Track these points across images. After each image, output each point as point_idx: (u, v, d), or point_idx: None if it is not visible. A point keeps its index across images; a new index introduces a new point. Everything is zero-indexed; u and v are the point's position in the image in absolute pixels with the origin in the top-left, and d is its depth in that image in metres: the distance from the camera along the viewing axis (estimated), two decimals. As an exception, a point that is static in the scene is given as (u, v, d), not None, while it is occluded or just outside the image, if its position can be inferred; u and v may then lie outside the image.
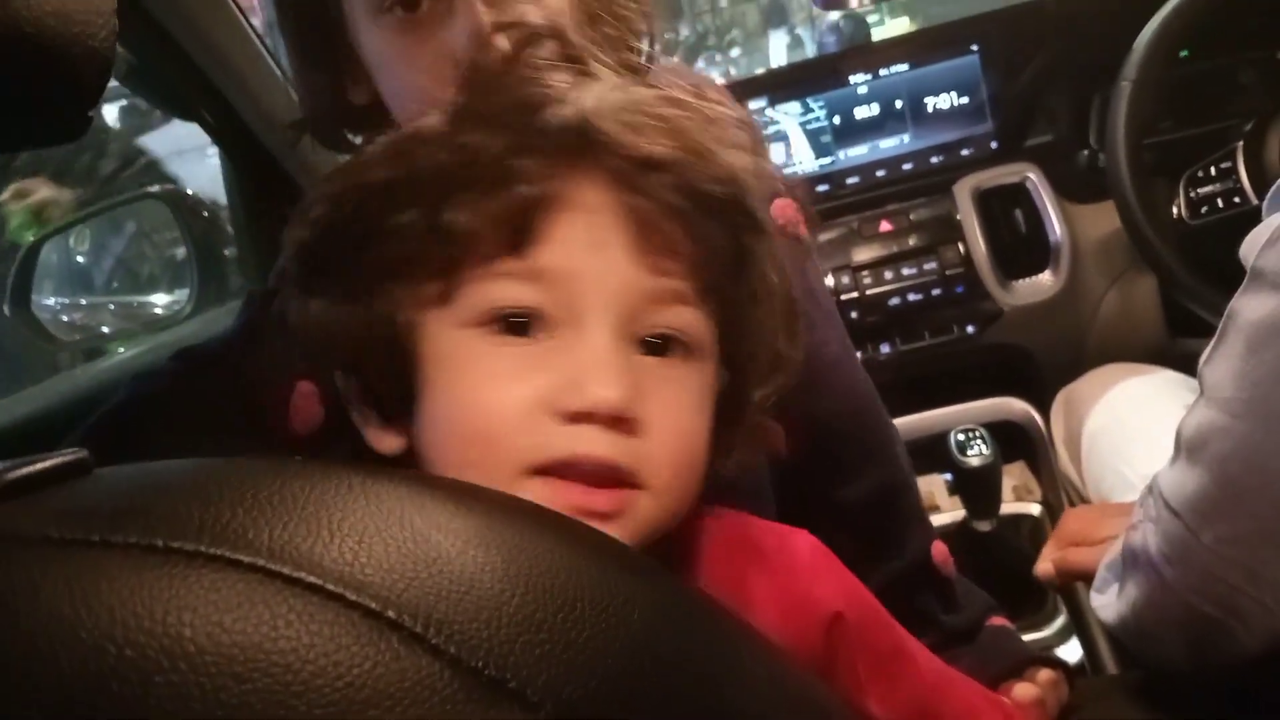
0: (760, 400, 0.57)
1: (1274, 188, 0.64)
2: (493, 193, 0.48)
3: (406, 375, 0.52)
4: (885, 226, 1.63)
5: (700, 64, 13.50)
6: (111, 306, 2.52)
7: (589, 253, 0.49)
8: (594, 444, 0.48)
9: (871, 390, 0.86)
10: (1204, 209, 1.34)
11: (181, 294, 1.82)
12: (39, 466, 0.34)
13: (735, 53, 15.62)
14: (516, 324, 0.49)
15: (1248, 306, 0.61)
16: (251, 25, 1.47)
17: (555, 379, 0.48)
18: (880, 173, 1.67)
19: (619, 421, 0.48)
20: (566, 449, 0.48)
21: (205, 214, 1.83)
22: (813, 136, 1.68)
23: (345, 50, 0.75)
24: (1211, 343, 0.65)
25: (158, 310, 2.24)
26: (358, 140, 0.82)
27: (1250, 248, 0.61)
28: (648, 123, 0.49)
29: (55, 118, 0.43)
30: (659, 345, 0.51)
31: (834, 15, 1.68)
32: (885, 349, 1.59)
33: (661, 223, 0.50)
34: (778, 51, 16.57)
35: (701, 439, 0.53)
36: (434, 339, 0.51)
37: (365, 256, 0.51)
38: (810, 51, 14.27)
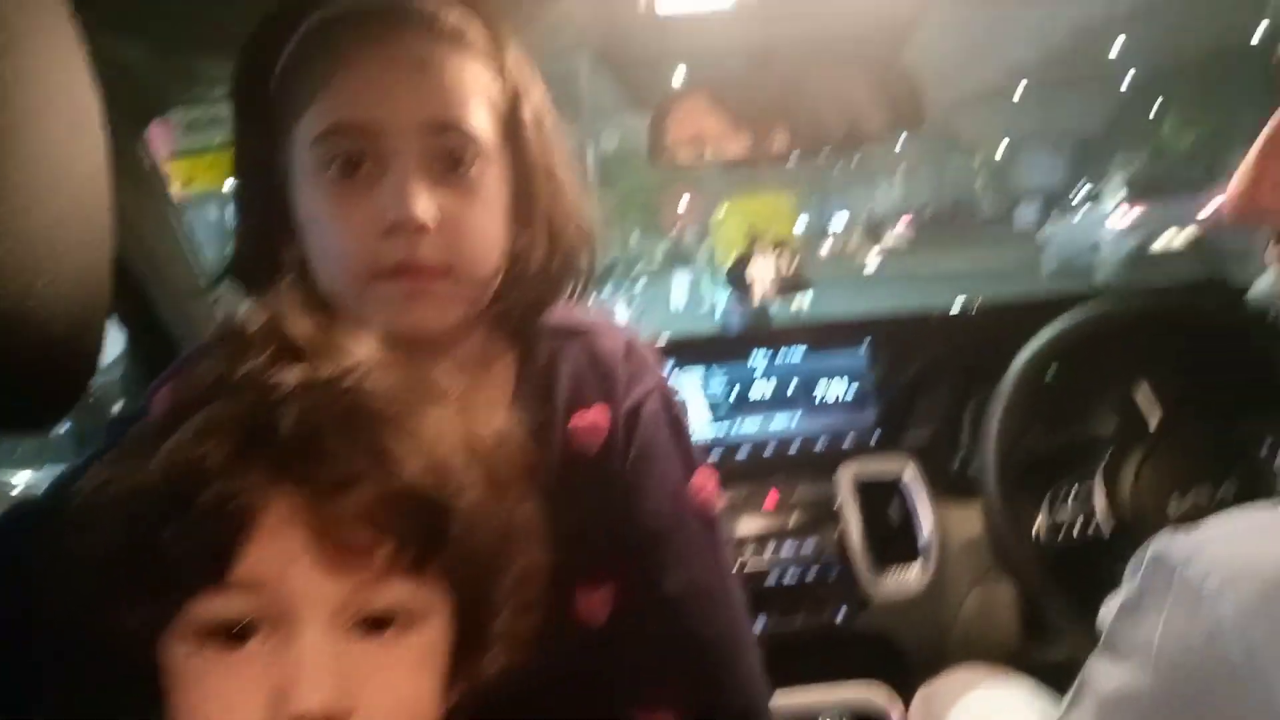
0: (507, 620, 0.64)
1: (1133, 559, 0.68)
2: (199, 516, 0.51)
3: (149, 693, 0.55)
4: (770, 502, 1.68)
5: (607, 291, 14.05)
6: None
7: (285, 564, 0.53)
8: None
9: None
10: (1060, 534, 1.43)
11: (55, 471, 1.73)
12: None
13: (640, 285, 16.34)
14: (237, 634, 0.53)
15: (1100, 675, 0.63)
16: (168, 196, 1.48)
17: (269, 691, 0.52)
18: (769, 449, 1.74)
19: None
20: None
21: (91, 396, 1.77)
22: (711, 404, 1.75)
23: (282, 207, 0.80)
24: (1065, 701, 0.68)
25: (14, 491, 2.11)
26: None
27: (1107, 612, 0.65)
28: (340, 445, 0.54)
29: (41, 403, 0.44)
30: (380, 621, 0.56)
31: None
32: (759, 624, 1.60)
33: (354, 530, 0.54)
34: (679, 288, 17.34)
35: (423, 702, 0.59)
36: (166, 656, 0.55)
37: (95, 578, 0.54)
38: (708, 299, 14.99)
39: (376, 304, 0.77)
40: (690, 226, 20.52)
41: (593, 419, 0.88)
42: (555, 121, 0.87)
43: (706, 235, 16.21)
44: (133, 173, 1.31)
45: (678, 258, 18.44)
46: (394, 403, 0.57)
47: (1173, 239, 11.16)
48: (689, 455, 0.92)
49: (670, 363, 1.75)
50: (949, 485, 1.69)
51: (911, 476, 1.68)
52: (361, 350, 0.60)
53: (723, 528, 0.92)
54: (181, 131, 1.46)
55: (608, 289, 14.19)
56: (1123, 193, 12.56)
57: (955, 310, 1.85)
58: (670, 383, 0.94)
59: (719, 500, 0.92)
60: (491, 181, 0.80)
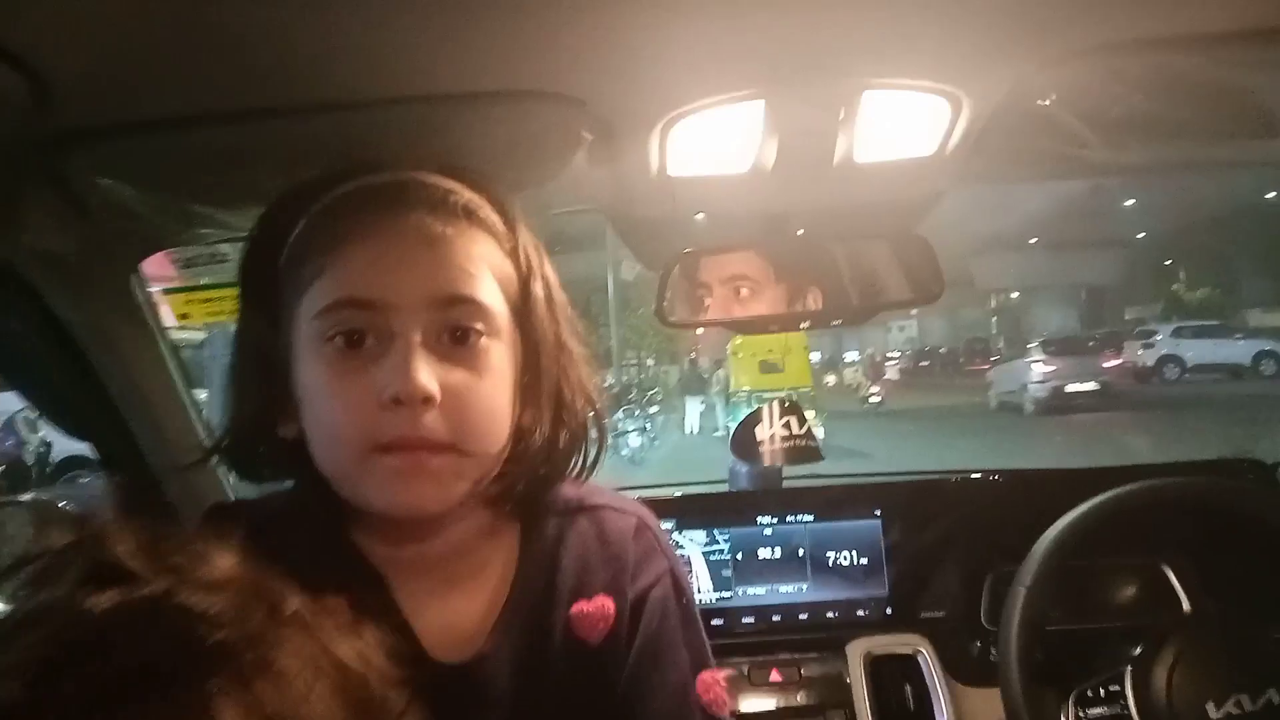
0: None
1: None
2: None
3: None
4: (776, 676, 1.59)
5: (620, 415, 14.10)
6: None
7: None
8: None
9: None
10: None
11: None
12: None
13: (654, 409, 16.40)
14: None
15: None
16: (176, 355, 1.46)
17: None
18: (776, 617, 1.65)
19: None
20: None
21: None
22: (714, 568, 1.67)
23: (283, 384, 0.78)
24: None
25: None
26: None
27: None
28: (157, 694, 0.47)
29: None
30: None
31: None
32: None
33: None
34: (693, 413, 17.41)
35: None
36: None
37: None
38: (721, 422, 15.09)
39: (375, 480, 0.74)
40: (704, 354, 20.70)
41: (597, 608, 0.84)
42: (564, 298, 0.86)
43: (721, 363, 16.40)
44: (123, 308, 1.28)
45: (691, 384, 18.57)
46: (232, 628, 0.49)
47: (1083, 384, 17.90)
48: (698, 650, 0.88)
49: (673, 523, 1.68)
50: (966, 667, 1.59)
51: (927, 657, 1.58)
52: (199, 565, 0.52)
53: None
54: (179, 267, 1.44)
55: (621, 414, 14.24)
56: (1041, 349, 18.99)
57: (973, 476, 1.78)
58: (679, 567, 0.91)
59: (727, 702, 0.87)
60: (499, 356, 0.78)
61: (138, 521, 0.52)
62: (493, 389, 0.77)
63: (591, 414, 0.87)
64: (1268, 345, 20.95)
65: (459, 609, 0.82)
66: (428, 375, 0.72)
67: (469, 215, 0.77)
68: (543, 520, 0.87)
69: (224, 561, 0.53)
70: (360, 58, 0.78)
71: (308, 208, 0.78)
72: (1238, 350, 21.43)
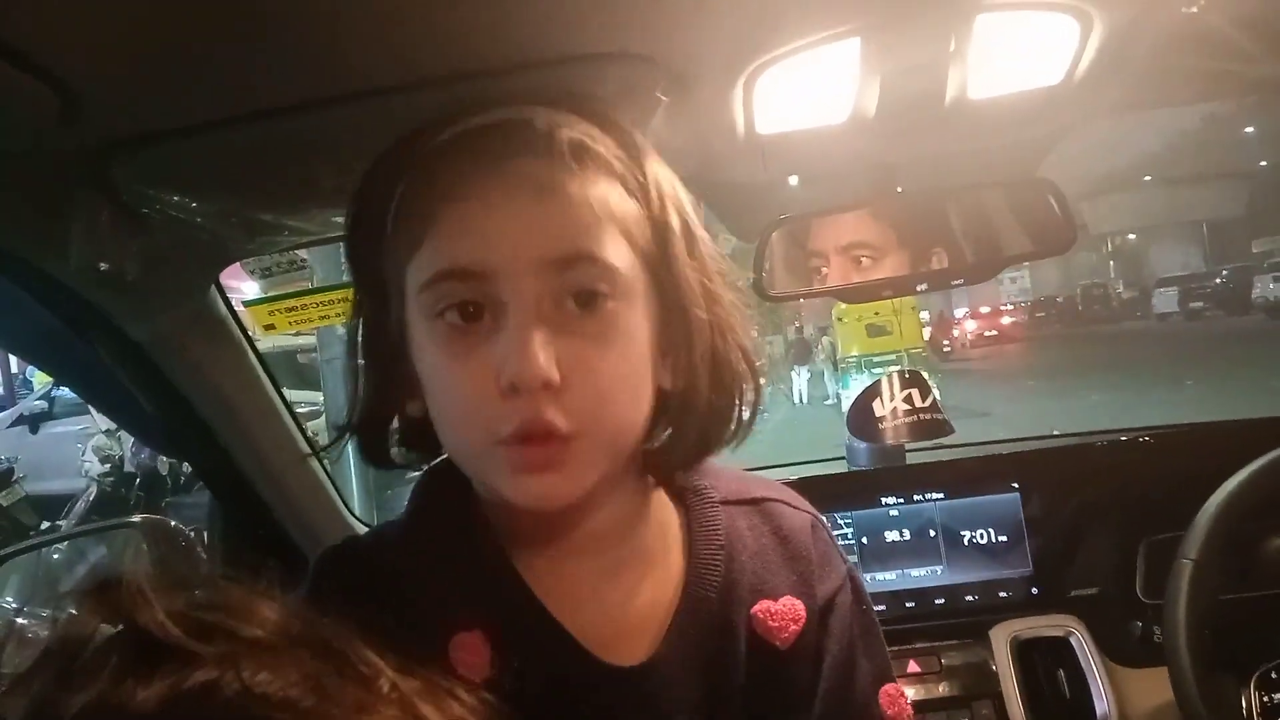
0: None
1: None
2: None
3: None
4: (913, 667, 1.48)
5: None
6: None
7: None
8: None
9: None
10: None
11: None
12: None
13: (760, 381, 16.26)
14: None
15: None
16: (272, 380, 1.43)
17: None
18: (910, 604, 1.54)
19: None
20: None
21: (184, 544, 1.72)
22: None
23: (405, 363, 0.71)
24: None
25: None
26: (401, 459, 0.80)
27: None
28: None
29: None
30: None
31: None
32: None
33: None
34: (800, 383, 17.21)
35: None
36: None
37: None
38: (831, 390, 14.86)
39: (499, 472, 0.66)
40: (808, 322, 20.40)
41: (787, 609, 0.76)
42: (709, 238, 0.74)
43: (825, 330, 16.13)
44: (202, 324, 1.24)
45: (797, 353, 18.31)
46: (302, 702, 0.42)
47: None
48: (881, 661, 0.81)
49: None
50: (1125, 647, 1.46)
51: (1080, 638, 1.45)
52: (246, 623, 0.45)
53: None
54: (257, 278, 1.40)
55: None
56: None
57: (1121, 438, 1.63)
58: (856, 570, 0.83)
59: (912, 715, 0.81)
60: (632, 318, 0.67)
61: (169, 571, 0.46)
62: (623, 360, 0.67)
63: (749, 370, 0.75)
64: None
65: (623, 604, 0.74)
66: (545, 356, 0.62)
67: (581, 154, 0.66)
68: (710, 508, 0.78)
69: (270, 613, 0.46)
70: (414, 37, 0.70)
71: (405, 167, 0.69)
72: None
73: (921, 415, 1.57)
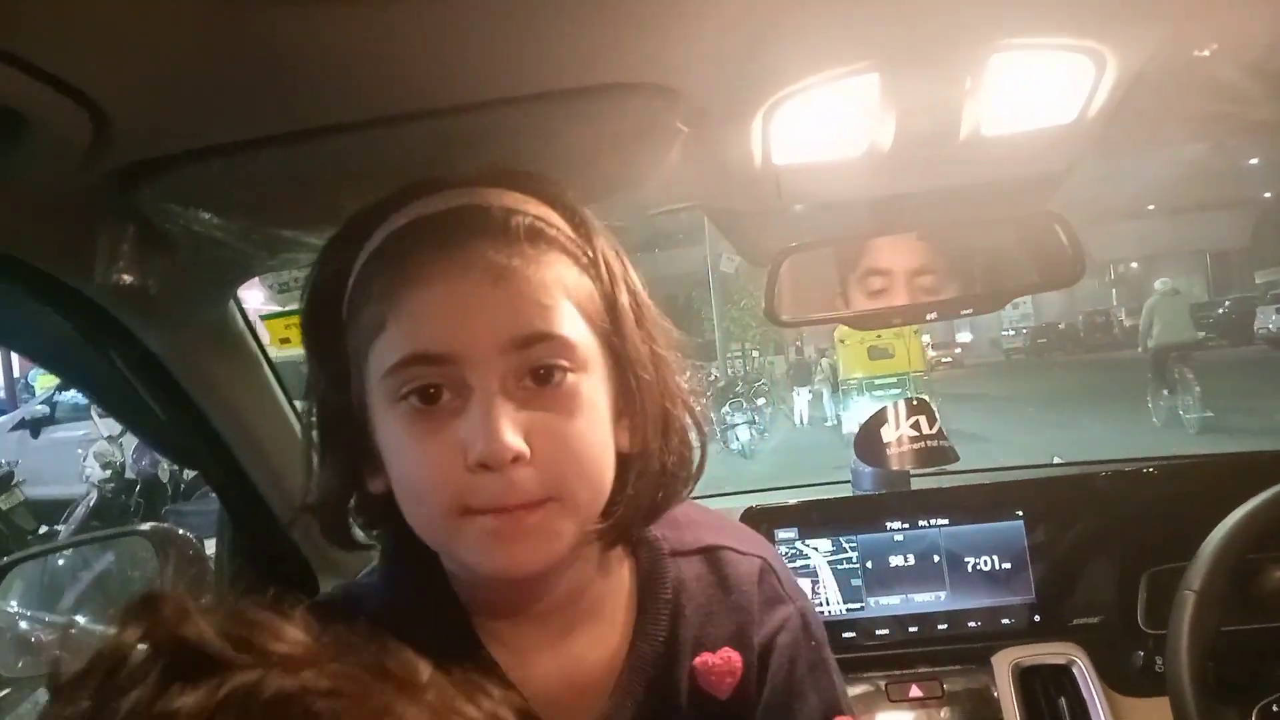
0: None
1: None
2: None
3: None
4: (916, 692, 1.48)
5: (727, 408, 13.98)
6: (73, 630, 2.34)
7: None
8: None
9: None
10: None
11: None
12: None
13: (760, 401, 16.23)
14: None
15: None
16: (286, 394, 1.44)
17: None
18: (913, 629, 1.55)
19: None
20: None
21: (192, 553, 1.73)
22: (842, 578, 1.57)
23: (364, 439, 0.72)
24: None
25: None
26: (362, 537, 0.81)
27: None
28: None
29: None
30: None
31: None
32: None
33: None
34: (800, 404, 17.19)
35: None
36: None
37: None
38: (830, 412, 14.84)
39: (468, 542, 0.68)
40: (809, 343, 20.40)
41: (723, 661, 0.77)
42: (650, 303, 0.77)
43: (826, 352, 16.14)
44: (220, 339, 1.26)
45: (798, 374, 18.31)
46: (339, 696, 0.44)
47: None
48: (828, 694, 0.80)
49: (795, 531, 1.59)
50: (1126, 677, 1.46)
51: (1082, 666, 1.46)
52: (274, 641, 0.46)
53: None
54: (274, 293, 1.42)
55: (729, 407, 14.13)
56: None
57: (1125, 469, 1.64)
58: (808, 607, 0.83)
59: None
60: (590, 388, 0.70)
61: (198, 590, 0.47)
62: (588, 427, 0.69)
63: (693, 423, 0.78)
64: None
65: (575, 665, 0.76)
66: (512, 433, 0.64)
67: (536, 238, 0.69)
68: (660, 562, 0.80)
69: (295, 634, 0.48)
70: (435, 65, 0.71)
71: (361, 248, 0.71)
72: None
73: (928, 442, 1.58)
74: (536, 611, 0.75)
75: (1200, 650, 1.21)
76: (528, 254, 0.68)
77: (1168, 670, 1.23)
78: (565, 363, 0.68)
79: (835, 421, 14.34)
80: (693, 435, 0.78)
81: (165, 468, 8.06)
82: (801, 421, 17.17)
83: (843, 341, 13.13)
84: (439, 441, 0.66)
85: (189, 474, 7.78)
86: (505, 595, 0.75)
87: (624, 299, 0.73)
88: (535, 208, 0.71)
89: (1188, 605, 1.23)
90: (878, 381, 12.44)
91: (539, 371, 0.67)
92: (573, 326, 0.69)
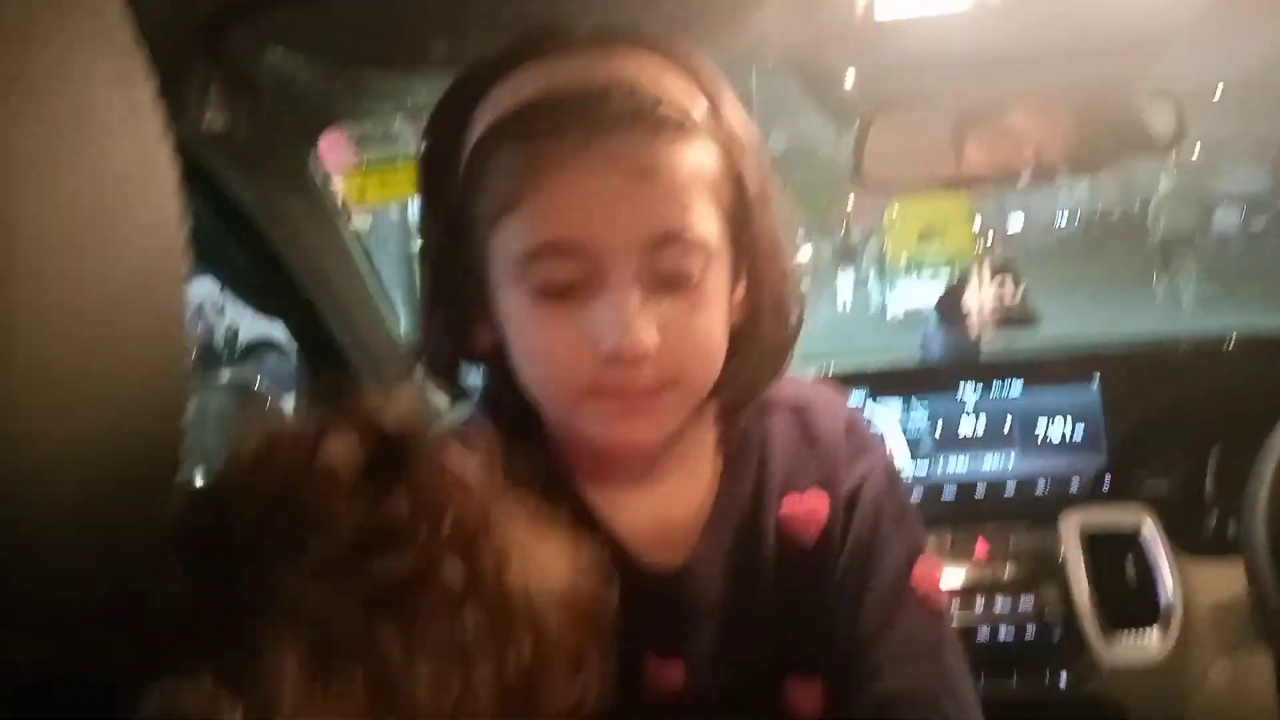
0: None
1: None
2: None
3: None
4: (981, 549, 1.52)
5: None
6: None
7: None
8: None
9: None
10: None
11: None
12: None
13: (805, 284, 16.04)
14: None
15: None
16: (364, 248, 1.46)
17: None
18: (980, 492, 1.57)
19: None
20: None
21: (269, 407, 1.79)
22: (911, 441, 1.60)
23: (480, 296, 0.71)
24: None
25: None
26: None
27: None
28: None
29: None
30: (680, 269, 0.65)
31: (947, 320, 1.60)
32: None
33: None
34: (845, 287, 16.94)
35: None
36: None
37: None
38: (876, 300, 14.55)
39: (587, 419, 0.68)
40: (857, 225, 20.05)
41: (809, 506, 0.78)
42: (772, 181, 0.75)
43: (873, 233, 15.82)
44: (302, 188, 1.27)
45: (844, 257, 18.01)
46: (467, 491, 0.49)
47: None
48: (913, 541, 0.80)
49: (864, 392, 1.61)
50: (1194, 542, 1.49)
51: (1151, 530, 1.48)
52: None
53: (947, 622, 0.80)
54: (354, 146, 1.42)
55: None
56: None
57: (1203, 342, 1.63)
58: (891, 460, 0.83)
59: (944, 593, 0.81)
60: (715, 280, 0.69)
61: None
62: (713, 320, 0.69)
63: (799, 302, 0.78)
64: None
65: (665, 511, 0.78)
66: (648, 328, 0.64)
67: (681, 125, 0.65)
68: (748, 417, 0.80)
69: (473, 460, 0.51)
70: None
71: (478, 105, 0.68)
72: None
73: (1011, 310, 1.58)
74: (631, 464, 0.77)
75: (1278, 511, 1.22)
76: (673, 145, 0.65)
77: (1243, 531, 1.25)
78: (701, 260, 0.67)
79: (881, 310, 14.08)
80: (796, 309, 0.77)
81: (220, 333, 8.18)
82: (845, 308, 16.95)
83: (893, 223, 12.90)
84: (569, 329, 0.65)
85: (242, 341, 7.93)
86: (608, 453, 0.76)
87: (755, 180, 0.71)
88: (676, 81, 0.67)
89: (1267, 470, 1.24)
90: (925, 265, 12.27)
91: (674, 267, 0.66)
92: (707, 222, 0.67)
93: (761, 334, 0.74)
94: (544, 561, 0.50)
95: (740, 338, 0.74)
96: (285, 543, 0.43)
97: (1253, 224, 18.37)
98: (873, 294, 15.33)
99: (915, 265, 12.24)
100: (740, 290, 0.74)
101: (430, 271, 0.75)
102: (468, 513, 0.47)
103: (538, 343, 0.68)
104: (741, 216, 0.71)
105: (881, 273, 14.49)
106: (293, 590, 0.42)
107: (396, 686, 0.42)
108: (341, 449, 0.46)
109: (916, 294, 11.76)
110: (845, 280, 17.17)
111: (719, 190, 0.68)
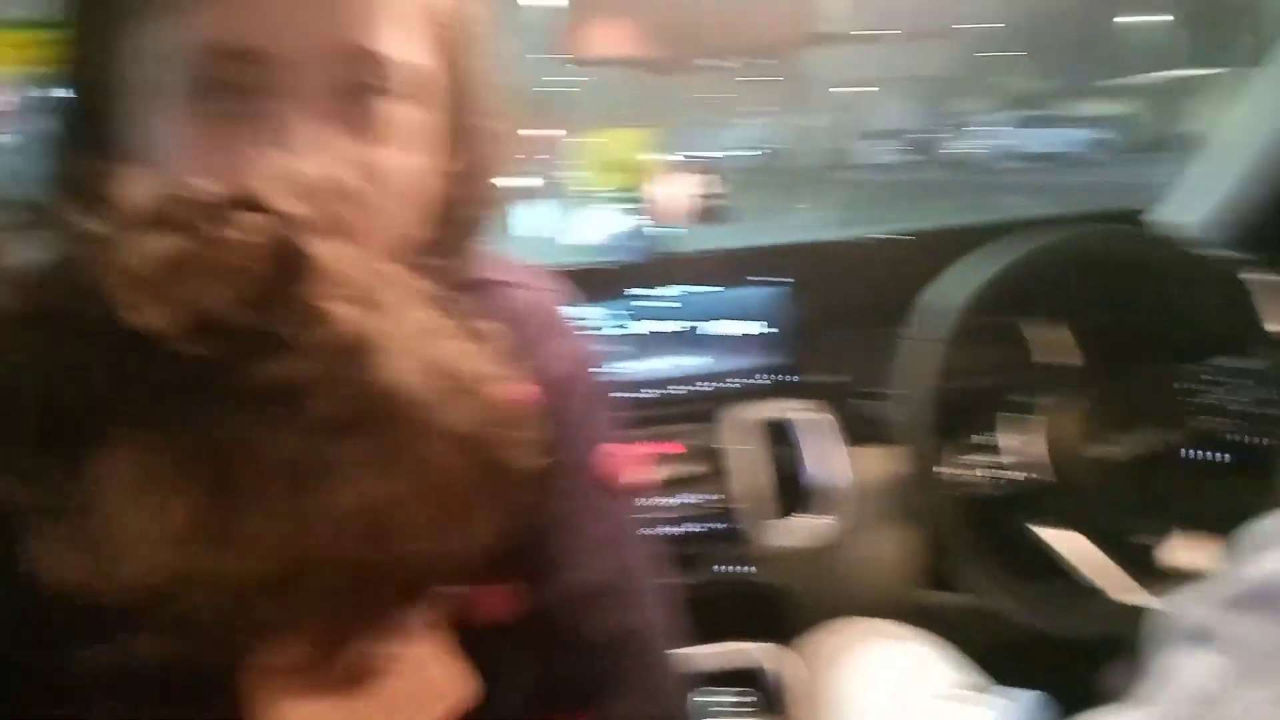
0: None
1: (1243, 539, 0.55)
2: None
3: None
4: (671, 447, 1.56)
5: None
6: None
7: None
8: None
9: None
10: (978, 480, 1.38)
11: None
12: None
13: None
14: None
15: (1186, 670, 0.51)
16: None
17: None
18: (673, 388, 1.61)
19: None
20: None
21: None
22: (606, 339, 1.60)
23: (117, 132, 0.59)
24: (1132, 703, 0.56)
25: None
26: None
27: (1195, 600, 0.53)
28: None
29: None
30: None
31: (638, 222, 1.60)
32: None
33: None
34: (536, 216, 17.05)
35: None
36: None
37: None
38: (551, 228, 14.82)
39: None
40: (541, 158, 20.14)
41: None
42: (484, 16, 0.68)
43: (559, 165, 15.97)
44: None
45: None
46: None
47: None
48: (601, 432, 0.78)
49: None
50: (860, 430, 1.60)
51: (821, 417, 1.58)
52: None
53: (632, 515, 0.78)
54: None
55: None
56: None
57: (887, 237, 1.74)
58: (588, 350, 0.81)
59: (634, 474, 0.79)
60: (417, 113, 0.61)
61: None
62: (406, 158, 0.60)
63: (510, 153, 0.72)
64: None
65: None
66: (322, 160, 0.54)
67: None
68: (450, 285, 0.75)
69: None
70: None
71: None
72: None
73: (709, 200, 1.61)
74: None
75: (934, 391, 1.34)
76: None
77: (900, 410, 1.35)
78: (395, 83, 0.58)
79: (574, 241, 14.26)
80: (503, 174, 0.71)
81: None
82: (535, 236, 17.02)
83: (577, 156, 13.03)
84: (229, 151, 0.54)
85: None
86: None
87: (467, 10, 0.64)
88: None
89: (929, 352, 1.35)
90: (611, 196, 12.55)
91: (362, 89, 0.57)
92: (407, 44, 0.59)
93: (471, 189, 0.68)
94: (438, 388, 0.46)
95: (450, 195, 0.67)
96: (158, 334, 0.38)
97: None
98: (559, 224, 15.53)
99: (600, 197, 12.51)
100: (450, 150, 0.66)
101: (69, 82, 0.61)
102: (358, 327, 0.42)
103: (187, 166, 0.55)
104: (453, 46, 0.63)
105: (566, 203, 14.70)
106: (153, 383, 0.38)
107: (236, 503, 0.39)
108: (248, 232, 0.41)
109: (601, 224, 12.07)
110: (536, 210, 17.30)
111: (426, 13, 0.60)
